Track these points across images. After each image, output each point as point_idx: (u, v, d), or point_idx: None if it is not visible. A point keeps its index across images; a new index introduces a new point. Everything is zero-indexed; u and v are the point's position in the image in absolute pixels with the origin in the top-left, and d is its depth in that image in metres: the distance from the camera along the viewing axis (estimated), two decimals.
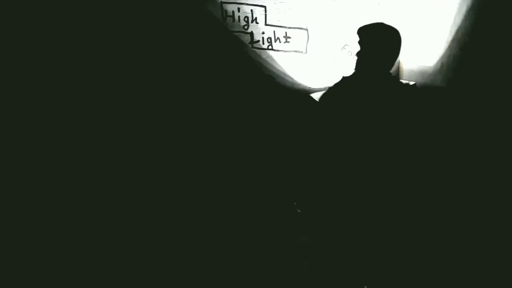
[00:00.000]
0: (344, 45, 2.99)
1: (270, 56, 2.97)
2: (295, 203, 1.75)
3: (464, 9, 2.25)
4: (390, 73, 1.70)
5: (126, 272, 2.51)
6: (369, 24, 1.67)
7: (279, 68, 3.00)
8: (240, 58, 2.93)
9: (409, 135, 1.66)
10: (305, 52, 2.99)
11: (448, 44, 2.42)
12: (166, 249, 2.73)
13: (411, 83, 2.62)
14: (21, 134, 2.64)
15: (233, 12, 2.83)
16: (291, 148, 3.01)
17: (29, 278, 2.38)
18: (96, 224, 2.80)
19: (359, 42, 1.67)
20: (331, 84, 1.82)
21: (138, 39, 2.74)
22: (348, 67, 2.93)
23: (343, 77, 1.74)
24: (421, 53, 2.70)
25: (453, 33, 2.36)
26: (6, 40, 2.53)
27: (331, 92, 1.73)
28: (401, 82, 1.70)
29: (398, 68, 2.99)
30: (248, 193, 3.00)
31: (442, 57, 2.48)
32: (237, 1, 2.81)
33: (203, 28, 2.81)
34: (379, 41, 1.63)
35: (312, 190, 1.75)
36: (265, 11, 2.87)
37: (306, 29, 2.94)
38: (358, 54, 1.68)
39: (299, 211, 1.76)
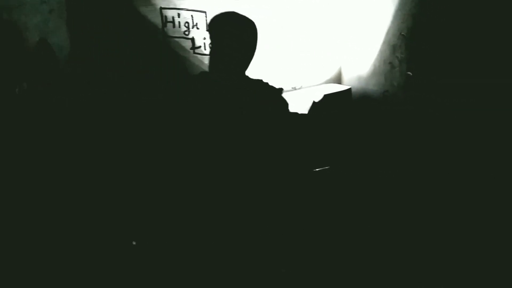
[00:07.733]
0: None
1: None
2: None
3: (392, 12, 2.29)
4: (246, 75, 1.57)
5: None
6: (220, 14, 1.53)
7: None
8: None
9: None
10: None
11: (379, 47, 2.45)
12: None
13: (346, 87, 2.62)
14: None
15: (172, 18, 2.81)
16: None
17: (29, 278, 2.23)
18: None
19: (211, 37, 1.53)
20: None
21: None
22: None
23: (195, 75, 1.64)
24: (357, 58, 2.71)
25: (383, 36, 2.39)
26: None
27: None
28: (269, 85, 1.59)
29: (341, 75, 2.98)
30: None
31: (375, 60, 2.51)
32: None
33: None
34: (231, 35, 1.48)
35: None
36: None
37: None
38: (210, 50, 1.55)
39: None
